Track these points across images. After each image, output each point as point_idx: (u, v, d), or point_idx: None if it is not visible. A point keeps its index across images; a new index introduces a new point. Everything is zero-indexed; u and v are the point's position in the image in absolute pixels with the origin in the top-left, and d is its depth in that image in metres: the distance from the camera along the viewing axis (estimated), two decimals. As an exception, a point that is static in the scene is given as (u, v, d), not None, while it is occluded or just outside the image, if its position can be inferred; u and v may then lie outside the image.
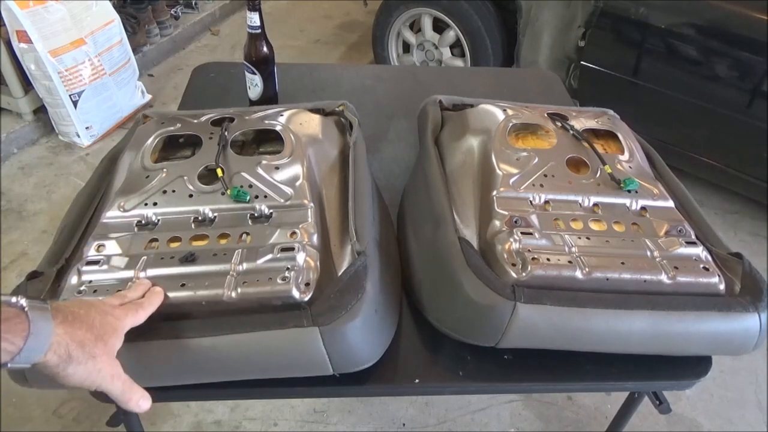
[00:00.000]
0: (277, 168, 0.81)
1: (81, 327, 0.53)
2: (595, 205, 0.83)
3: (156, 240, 0.74)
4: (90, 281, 0.68)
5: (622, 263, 0.73)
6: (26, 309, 0.49)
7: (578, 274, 0.72)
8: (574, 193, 0.83)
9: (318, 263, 0.71)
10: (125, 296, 0.64)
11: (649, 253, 0.76)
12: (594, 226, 0.80)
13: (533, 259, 0.72)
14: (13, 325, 0.47)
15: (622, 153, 0.91)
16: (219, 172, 0.80)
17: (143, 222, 0.77)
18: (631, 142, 0.94)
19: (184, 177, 0.80)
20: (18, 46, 2.17)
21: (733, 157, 2.05)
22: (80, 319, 0.54)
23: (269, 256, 0.69)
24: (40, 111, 2.44)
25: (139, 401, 0.58)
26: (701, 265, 0.75)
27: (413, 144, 1.12)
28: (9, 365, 0.47)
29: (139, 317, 0.62)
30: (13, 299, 0.49)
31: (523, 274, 0.72)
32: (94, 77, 2.35)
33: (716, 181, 2.20)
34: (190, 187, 0.79)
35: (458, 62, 2.61)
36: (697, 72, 1.97)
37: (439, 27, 2.60)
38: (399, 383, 0.77)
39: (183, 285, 0.67)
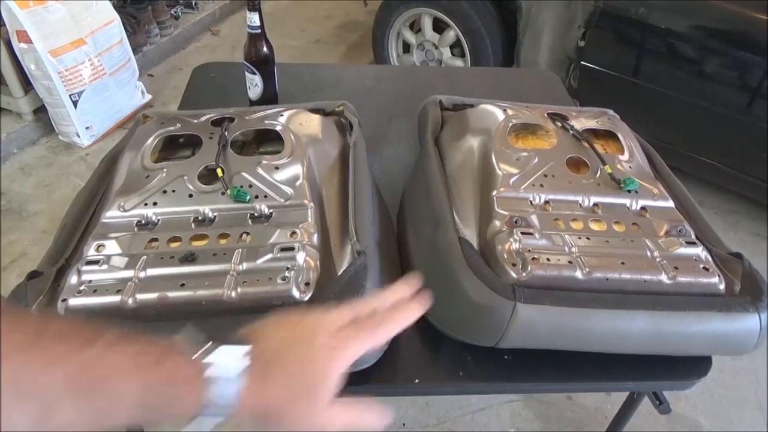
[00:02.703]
0: (277, 168, 0.81)
1: (273, 386, 0.42)
2: (595, 205, 0.83)
3: (156, 240, 0.74)
4: (90, 281, 0.68)
5: (622, 263, 0.73)
6: (205, 377, 0.39)
7: (578, 274, 0.72)
8: (574, 193, 0.83)
9: (318, 263, 0.71)
10: (363, 308, 0.50)
11: (649, 253, 0.76)
12: (594, 226, 0.80)
13: (533, 259, 0.72)
14: (188, 390, 0.38)
15: (622, 153, 0.91)
16: (219, 172, 0.80)
17: (143, 222, 0.77)
18: (631, 142, 0.94)
19: (184, 177, 0.80)
20: (18, 46, 2.17)
21: (733, 157, 2.05)
22: (278, 370, 0.42)
23: (269, 256, 0.69)
24: (40, 111, 2.44)
25: (374, 422, 0.46)
26: (701, 265, 0.75)
27: (413, 144, 1.12)
28: (183, 429, 0.40)
29: (376, 339, 0.47)
30: (199, 353, 0.40)
31: (523, 274, 0.72)
32: (94, 77, 2.35)
33: (716, 181, 2.19)
34: (190, 187, 0.79)
35: (458, 62, 2.61)
36: (698, 72, 1.97)
37: (439, 27, 2.60)
38: (399, 383, 0.77)
39: (183, 285, 0.67)
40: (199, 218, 0.77)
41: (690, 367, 0.80)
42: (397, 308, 0.50)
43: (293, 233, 0.73)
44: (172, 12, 3.22)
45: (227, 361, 0.41)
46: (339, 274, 0.73)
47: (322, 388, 0.44)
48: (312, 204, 0.78)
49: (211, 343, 0.42)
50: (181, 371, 0.39)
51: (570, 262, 0.73)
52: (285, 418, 0.43)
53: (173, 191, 0.79)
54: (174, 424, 0.40)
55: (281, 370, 0.43)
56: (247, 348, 0.42)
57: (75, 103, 2.32)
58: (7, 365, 0.31)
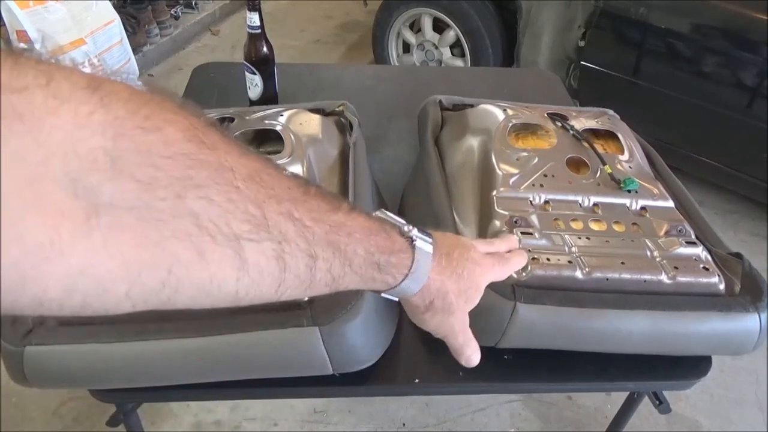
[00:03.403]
0: (277, 168, 0.81)
1: (451, 276, 0.49)
2: (595, 205, 0.83)
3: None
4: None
5: (622, 263, 0.73)
6: (415, 244, 0.45)
7: (578, 274, 0.72)
8: (574, 193, 0.83)
9: (318, 263, 0.71)
10: (493, 244, 0.58)
11: (649, 253, 0.76)
12: (594, 226, 0.80)
13: (533, 259, 0.72)
14: (400, 259, 0.44)
15: (622, 153, 0.91)
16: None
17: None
18: (631, 142, 0.94)
19: (184, 177, 0.80)
20: (18, 46, 2.17)
21: (733, 157, 2.05)
22: (452, 266, 0.49)
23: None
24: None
25: (471, 356, 0.55)
26: (701, 265, 0.75)
27: (413, 144, 1.12)
28: (381, 294, 0.47)
29: (503, 273, 0.56)
30: (406, 227, 0.46)
31: (523, 274, 0.72)
32: (94, 77, 2.35)
33: (716, 181, 2.19)
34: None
35: (458, 62, 2.61)
36: (698, 72, 1.97)
37: (439, 27, 2.60)
38: (399, 383, 0.77)
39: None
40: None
41: (690, 367, 0.80)
42: (513, 253, 0.58)
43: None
44: (172, 12, 3.22)
45: (424, 240, 0.47)
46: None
47: (475, 294, 0.52)
48: (312, 204, 0.78)
49: (407, 223, 0.47)
50: (396, 241, 0.45)
51: (570, 262, 0.73)
52: (450, 308, 0.50)
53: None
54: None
55: (456, 267, 0.49)
56: (431, 238, 0.48)
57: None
58: (294, 217, 0.35)
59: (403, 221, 0.47)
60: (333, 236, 0.38)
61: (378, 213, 0.47)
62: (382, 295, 0.47)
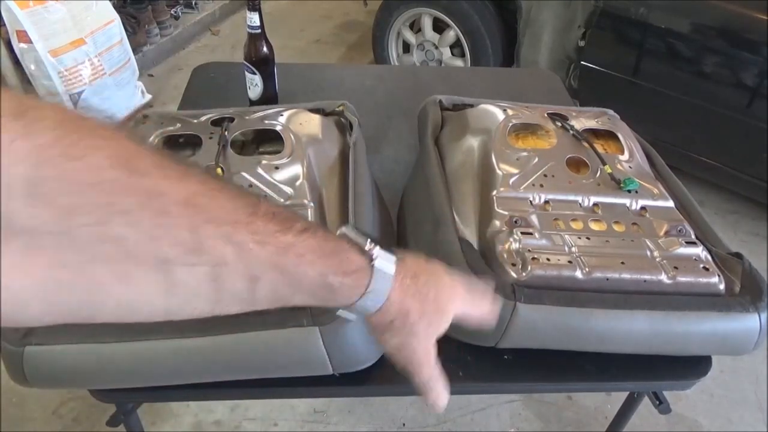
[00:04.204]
0: (277, 168, 0.81)
1: (414, 296, 0.48)
2: (595, 205, 0.83)
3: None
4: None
5: (622, 263, 0.73)
6: (374, 264, 0.45)
7: (578, 274, 0.72)
8: (574, 193, 0.83)
9: (318, 263, 0.71)
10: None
11: (649, 253, 0.76)
12: (594, 226, 0.80)
13: (533, 259, 0.72)
14: (356, 279, 0.43)
15: (622, 153, 0.91)
16: (219, 171, 0.80)
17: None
18: (631, 142, 0.94)
19: (184, 177, 0.80)
20: (18, 46, 2.17)
21: (733, 157, 2.05)
22: (417, 286, 0.48)
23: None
24: (40, 111, 2.43)
25: (438, 397, 0.53)
26: (701, 265, 0.75)
27: (413, 144, 1.12)
28: (337, 313, 0.47)
29: (473, 303, 0.53)
30: (368, 245, 0.45)
31: (523, 274, 0.72)
32: (94, 77, 2.35)
33: (716, 181, 2.20)
34: (190, 187, 0.79)
35: (458, 62, 2.61)
36: (698, 72, 1.97)
37: (439, 27, 2.60)
38: (399, 383, 0.77)
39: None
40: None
41: (690, 367, 0.80)
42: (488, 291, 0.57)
43: (293, 233, 0.73)
44: (172, 12, 3.22)
45: (385, 260, 0.46)
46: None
47: (440, 321, 0.50)
48: (312, 204, 0.78)
49: (370, 240, 0.46)
50: (354, 261, 0.44)
51: (570, 262, 0.73)
52: (412, 329, 0.48)
53: (173, 191, 0.79)
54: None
55: (418, 289, 0.48)
56: (395, 257, 0.47)
57: (75, 104, 2.32)
58: (234, 240, 0.35)
59: (366, 239, 0.46)
60: (279, 258, 0.38)
61: (343, 229, 0.47)
62: (338, 313, 0.46)
